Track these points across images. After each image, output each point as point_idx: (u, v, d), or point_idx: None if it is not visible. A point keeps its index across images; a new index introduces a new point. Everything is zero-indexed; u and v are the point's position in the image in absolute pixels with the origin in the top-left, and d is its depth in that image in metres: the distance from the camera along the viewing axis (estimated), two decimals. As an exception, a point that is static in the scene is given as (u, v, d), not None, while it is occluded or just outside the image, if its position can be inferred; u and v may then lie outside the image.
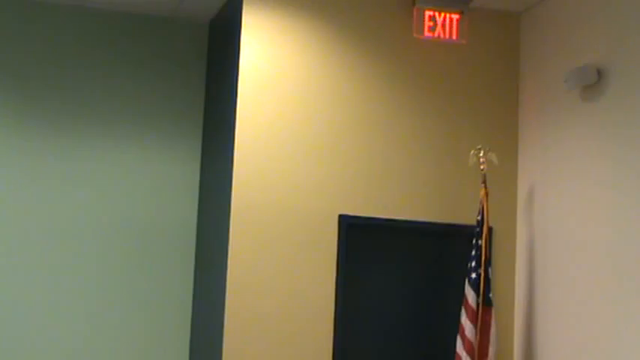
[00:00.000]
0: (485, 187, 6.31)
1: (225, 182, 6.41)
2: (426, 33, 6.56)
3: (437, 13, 6.58)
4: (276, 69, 6.44)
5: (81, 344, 6.93)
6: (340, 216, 6.41)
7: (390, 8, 6.64)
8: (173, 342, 7.08)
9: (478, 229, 6.26)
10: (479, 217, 6.29)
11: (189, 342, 7.11)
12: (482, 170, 6.35)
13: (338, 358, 6.31)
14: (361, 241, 6.46)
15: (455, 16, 6.60)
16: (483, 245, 6.22)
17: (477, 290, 6.16)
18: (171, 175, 7.21)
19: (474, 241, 6.25)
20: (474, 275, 6.19)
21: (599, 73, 5.95)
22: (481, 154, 6.37)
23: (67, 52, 7.12)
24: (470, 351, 6.10)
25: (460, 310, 6.20)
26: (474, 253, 6.24)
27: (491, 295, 6.20)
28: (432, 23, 6.57)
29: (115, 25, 7.21)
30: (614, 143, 5.82)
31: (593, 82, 5.98)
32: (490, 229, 6.33)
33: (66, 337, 6.91)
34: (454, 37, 6.61)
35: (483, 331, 6.14)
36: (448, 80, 6.72)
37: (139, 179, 7.15)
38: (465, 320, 6.16)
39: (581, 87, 6.09)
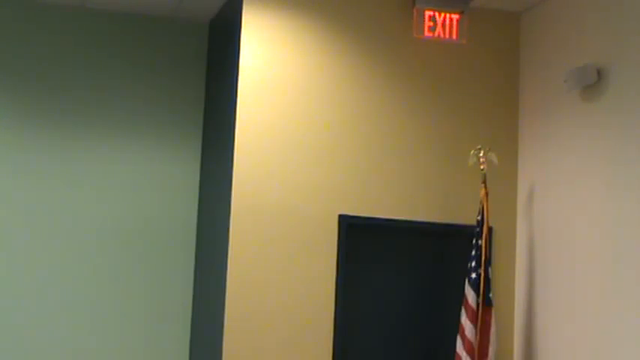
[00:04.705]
0: (485, 187, 6.31)
1: (225, 182, 6.41)
2: (426, 33, 6.56)
3: (437, 13, 6.58)
4: (276, 69, 6.44)
5: (81, 344, 6.93)
6: (340, 216, 6.41)
7: (390, 8, 6.64)
8: (173, 342, 7.09)
9: (478, 229, 6.26)
10: (479, 217, 6.29)
11: (189, 342, 7.11)
12: (482, 170, 6.34)
13: (338, 358, 6.31)
14: (361, 241, 6.46)
15: (455, 16, 6.60)
16: (483, 245, 6.22)
17: (477, 290, 6.16)
18: (171, 175, 7.21)
19: (473, 241, 6.25)
20: (474, 275, 6.19)
21: (599, 73, 5.95)
22: (481, 154, 6.37)
23: (67, 52, 7.12)
24: (470, 351, 6.10)
25: (460, 310, 6.21)
26: (473, 253, 6.24)
27: (491, 295, 6.20)
28: (432, 23, 6.57)
29: (115, 25, 7.21)
30: (614, 143, 5.82)
31: (593, 82, 5.98)
32: (490, 229, 6.33)
33: (66, 337, 6.91)
34: (454, 37, 6.61)
35: (483, 331, 6.14)
36: (448, 80, 6.72)
37: (139, 179, 7.15)
38: (465, 320, 6.16)
39: (581, 87, 6.08)
